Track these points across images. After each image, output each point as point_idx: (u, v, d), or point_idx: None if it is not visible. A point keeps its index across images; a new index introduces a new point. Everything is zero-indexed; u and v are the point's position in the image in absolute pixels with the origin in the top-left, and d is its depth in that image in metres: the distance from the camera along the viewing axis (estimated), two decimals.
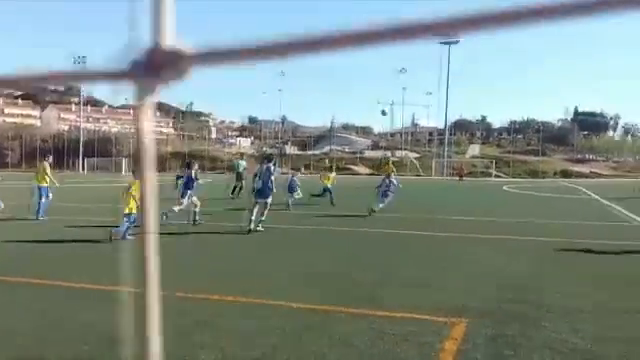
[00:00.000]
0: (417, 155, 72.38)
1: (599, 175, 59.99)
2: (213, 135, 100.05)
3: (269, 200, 11.82)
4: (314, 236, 11.42)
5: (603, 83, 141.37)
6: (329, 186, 18.99)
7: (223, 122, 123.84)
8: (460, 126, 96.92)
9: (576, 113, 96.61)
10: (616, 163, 69.14)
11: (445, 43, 68.18)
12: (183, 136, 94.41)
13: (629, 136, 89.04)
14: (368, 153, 76.92)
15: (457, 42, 68.07)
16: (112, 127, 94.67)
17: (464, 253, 9.17)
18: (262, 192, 11.70)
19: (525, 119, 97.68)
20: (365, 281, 6.87)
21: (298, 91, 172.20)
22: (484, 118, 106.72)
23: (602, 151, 76.13)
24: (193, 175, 12.75)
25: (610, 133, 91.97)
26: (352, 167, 67.83)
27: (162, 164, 73.77)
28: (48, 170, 14.31)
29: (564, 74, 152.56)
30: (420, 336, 4.67)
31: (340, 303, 5.75)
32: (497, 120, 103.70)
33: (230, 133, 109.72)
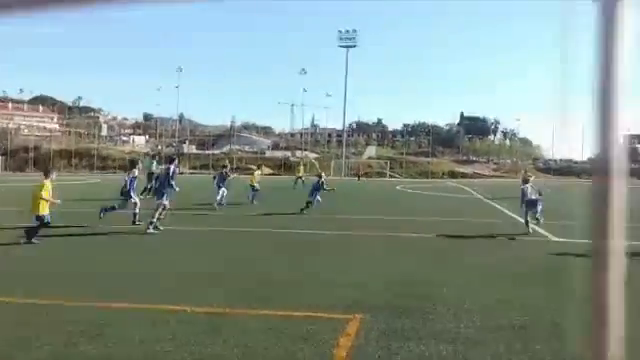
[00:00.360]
0: (316, 155, 73.61)
1: (481, 176, 64.96)
2: (104, 132, 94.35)
3: (165, 201, 11.56)
4: (214, 237, 11.19)
5: (486, 90, 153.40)
6: (256, 185, 19.38)
7: (115, 119, 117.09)
8: (358, 128, 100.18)
9: (462, 118, 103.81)
10: (496, 164, 75.26)
11: (344, 46, 70.05)
12: (70, 133, 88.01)
13: (507, 140, 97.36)
14: (269, 153, 76.88)
15: (355, 46, 70.24)
16: None
17: (360, 250, 9.47)
18: (159, 193, 11.59)
19: (417, 122, 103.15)
20: (263, 281, 6.84)
21: (197, 89, 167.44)
22: (380, 121, 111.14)
23: (484, 153, 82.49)
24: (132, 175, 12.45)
25: (491, 137, 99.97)
26: (253, 167, 67.31)
27: (47, 162, 68.20)
28: None
29: (452, 80, 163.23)
30: (317, 334, 4.74)
31: (237, 305, 5.68)
32: (392, 123, 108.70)
33: (123, 130, 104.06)
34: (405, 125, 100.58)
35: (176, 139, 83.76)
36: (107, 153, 72.51)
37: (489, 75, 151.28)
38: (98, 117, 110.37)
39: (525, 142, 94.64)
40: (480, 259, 8.72)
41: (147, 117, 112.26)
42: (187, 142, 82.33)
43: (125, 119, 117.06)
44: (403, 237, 11.21)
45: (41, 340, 4.51)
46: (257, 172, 20.87)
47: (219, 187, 17.28)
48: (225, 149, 79.07)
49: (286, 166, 64.38)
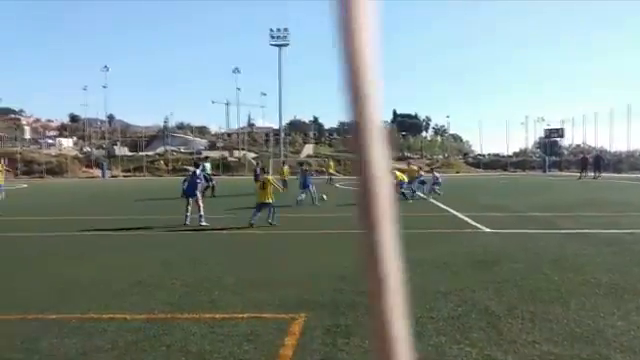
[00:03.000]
0: (255, 155, 72.98)
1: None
2: (27, 135, 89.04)
3: (196, 197, 13.54)
4: (149, 239, 10.85)
5: (417, 89, 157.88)
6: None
7: (39, 120, 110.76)
8: (295, 126, 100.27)
9: (395, 115, 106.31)
10: (430, 160, 77.72)
11: (276, 45, 69.96)
12: None
13: (439, 136, 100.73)
14: (206, 153, 75.39)
15: (288, 45, 70.31)
16: None
17: (299, 249, 9.51)
18: (189, 192, 13.59)
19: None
20: (204, 285, 6.72)
21: (126, 88, 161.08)
22: (316, 119, 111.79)
23: (417, 149, 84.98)
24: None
25: (423, 134, 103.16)
26: (189, 168, 65.80)
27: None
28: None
29: (384, 80, 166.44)
30: (262, 335, 4.73)
31: (178, 310, 5.56)
32: (328, 121, 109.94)
33: (48, 132, 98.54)
34: (341, 123, 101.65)
35: (106, 141, 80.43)
36: (32, 157, 68.52)
37: (422, 73, 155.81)
38: (20, 119, 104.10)
39: (456, 138, 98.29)
40: (417, 251, 8.97)
41: (74, 118, 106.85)
42: (119, 144, 79.23)
43: (50, 121, 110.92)
44: (343, 234, 11.34)
45: None
46: (286, 167, 25.99)
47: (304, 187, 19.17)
48: (159, 150, 76.80)
49: (225, 166, 63.39)
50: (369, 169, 0.59)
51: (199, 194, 13.73)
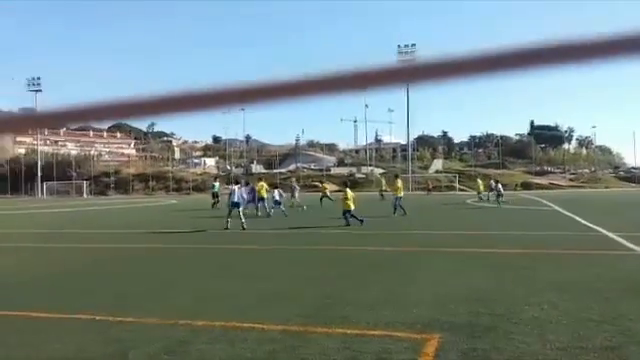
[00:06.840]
0: (382, 171, 73.09)
1: (559, 186, 61.81)
2: (177, 156, 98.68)
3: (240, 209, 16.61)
4: (281, 255, 11.33)
5: (557, 98, 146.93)
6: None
7: (186, 142, 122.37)
8: (423, 141, 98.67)
9: (532, 127, 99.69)
10: (573, 174, 71.48)
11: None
12: (146, 157, 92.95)
13: (584, 148, 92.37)
14: (334, 170, 77.24)
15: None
16: (71, 150, 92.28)
17: (431, 267, 9.24)
18: (236, 204, 16.53)
19: (485, 134, 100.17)
20: (336, 299, 6.82)
21: (261, 110, 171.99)
22: (445, 133, 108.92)
23: (559, 163, 78.67)
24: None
25: (566, 146, 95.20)
26: (319, 184, 67.83)
27: (125, 186, 72.34)
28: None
29: (519, 90, 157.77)
30: (394, 353, 4.65)
31: (312, 323, 5.69)
32: (458, 135, 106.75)
33: (194, 153, 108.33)
34: (472, 137, 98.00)
35: (244, 159, 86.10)
36: (181, 175, 75.75)
37: (558, 83, 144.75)
38: (171, 141, 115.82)
39: (604, 150, 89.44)
40: (563, 274, 8.26)
41: (216, 139, 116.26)
42: (255, 162, 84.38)
43: (196, 142, 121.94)
44: (477, 252, 10.84)
45: (127, 358, 4.71)
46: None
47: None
48: (291, 167, 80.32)
49: (352, 182, 64.35)
50: None
51: (242, 207, 16.94)
